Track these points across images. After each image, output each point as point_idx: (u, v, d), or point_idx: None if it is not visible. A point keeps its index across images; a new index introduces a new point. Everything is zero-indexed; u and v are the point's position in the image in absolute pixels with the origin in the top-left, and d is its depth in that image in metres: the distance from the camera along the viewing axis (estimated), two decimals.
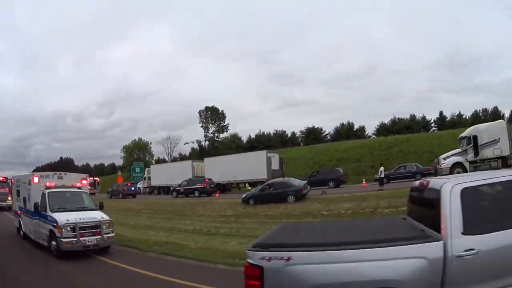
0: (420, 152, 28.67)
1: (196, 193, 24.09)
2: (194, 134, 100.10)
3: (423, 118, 48.14)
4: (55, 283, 6.44)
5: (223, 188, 27.59)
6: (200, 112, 57.02)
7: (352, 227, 4.14)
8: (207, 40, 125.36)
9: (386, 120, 50.70)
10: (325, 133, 56.40)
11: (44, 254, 8.38)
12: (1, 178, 22.19)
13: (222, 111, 57.34)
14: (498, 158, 15.77)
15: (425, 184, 3.52)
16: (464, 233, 2.69)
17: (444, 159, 16.74)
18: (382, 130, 49.46)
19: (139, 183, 37.96)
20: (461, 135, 17.49)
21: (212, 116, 56.47)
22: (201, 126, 56.98)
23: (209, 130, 56.51)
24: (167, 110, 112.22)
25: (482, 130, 16.62)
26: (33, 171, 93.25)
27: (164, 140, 60.80)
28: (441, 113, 46.90)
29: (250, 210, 15.90)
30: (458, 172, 15.19)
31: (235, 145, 57.72)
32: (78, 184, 9.93)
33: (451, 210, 2.74)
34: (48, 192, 8.68)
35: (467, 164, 16.19)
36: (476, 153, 16.16)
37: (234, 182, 28.43)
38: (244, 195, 17.42)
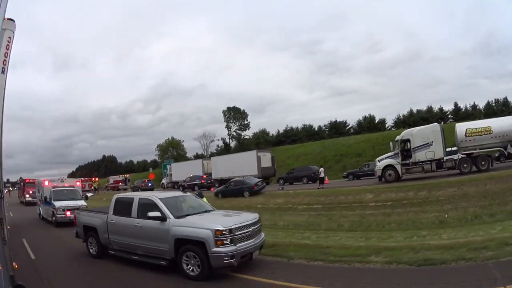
0: None
1: (196, 188, 29.46)
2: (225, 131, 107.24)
3: (441, 109, 48.07)
4: (52, 236, 12.12)
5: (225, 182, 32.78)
6: (223, 112, 62.72)
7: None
8: (249, 32, 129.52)
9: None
10: (349, 126, 58.03)
11: (49, 225, 14.54)
12: (31, 181, 30.22)
13: (244, 110, 62.47)
14: (431, 161, 16.86)
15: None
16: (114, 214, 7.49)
17: (379, 161, 18.42)
18: (400, 122, 50.28)
19: (164, 179, 44.61)
20: (397, 137, 18.62)
21: (235, 115, 61.71)
22: (225, 127, 62.44)
23: (231, 129, 61.77)
24: (214, 104, 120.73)
25: (415, 133, 17.70)
26: (76, 169, 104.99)
27: (200, 137, 67.14)
28: (455, 104, 46.68)
29: (217, 202, 20.72)
30: (390, 175, 17.47)
31: (263, 140, 62.44)
32: (75, 184, 15.85)
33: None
34: (52, 190, 14.69)
35: (398, 167, 17.40)
36: (409, 156, 17.36)
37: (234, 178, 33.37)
38: (215, 190, 22.23)
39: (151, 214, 6.55)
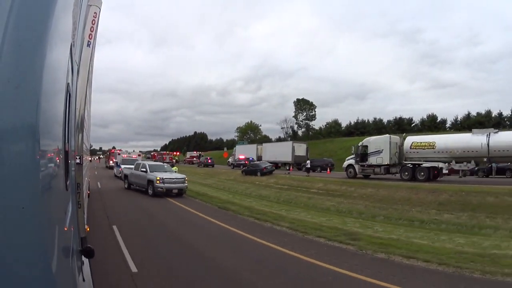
0: None
1: (241, 167, 38.20)
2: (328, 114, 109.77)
3: (500, 114, 46.87)
4: (112, 181, 22.41)
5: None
6: (294, 102, 69.43)
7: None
8: (351, 17, 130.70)
9: None
10: (413, 124, 59.00)
11: (113, 177, 25.02)
12: (116, 151, 43.18)
13: (312, 102, 67.98)
14: (380, 165, 21.01)
15: None
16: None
17: (346, 160, 23.79)
18: (456, 124, 51.32)
19: (230, 158, 54.28)
20: (359, 143, 23.23)
21: (303, 106, 67.82)
22: (293, 116, 69.21)
23: (298, 118, 68.23)
24: (315, 87, 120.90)
25: (371, 141, 22.33)
26: (169, 142, 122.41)
27: (282, 122, 73.86)
28: None
29: (241, 178, 28.85)
30: (350, 172, 22.77)
31: (334, 130, 67.60)
32: (136, 156, 26.32)
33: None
34: (122, 159, 25.33)
35: (357, 167, 22.31)
36: (365, 159, 21.85)
37: (277, 162, 40.95)
38: (242, 169, 30.30)
39: (142, 169, 15.29)
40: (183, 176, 16.17)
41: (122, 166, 23.33)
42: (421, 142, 19.90)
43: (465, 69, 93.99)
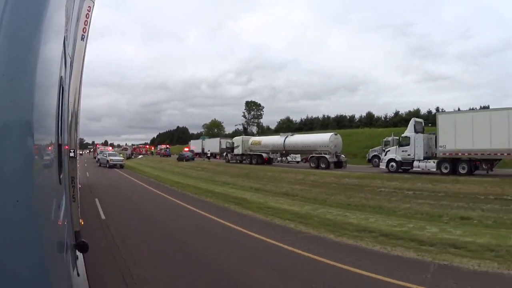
0: None
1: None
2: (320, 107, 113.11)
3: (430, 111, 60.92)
4: (92, 163, 41.13)
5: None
6: (245, 103, 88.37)
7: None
8: (342, 10, 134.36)
9: None
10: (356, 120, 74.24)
11: (96, 164, 43.93)
12: (99, 146, 62.30)
13: (259, 103, 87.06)
14: (238, 155, 38.51)
15: None
16: None
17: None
18: (385, 121, 64.93)
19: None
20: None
21: (252, 107, 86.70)
22: (242, 116, 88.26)
23: (247, 117, 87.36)
24: (307, 79, 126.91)
25: (235, 139, 40.51)
26: (157, 136, 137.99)
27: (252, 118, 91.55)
28: None
29: (174, 163, 47.49)
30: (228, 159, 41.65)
31: (285, 126, 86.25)
32: (109, 148, 45.36)
33: None
34: (102, 151, 44.11)
35: (229, 155, 40.28)
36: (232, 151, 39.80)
37: (212, 153, 59.57)
38: (177, 157, 48.85)
39: (104, 155, 34.52)
40: (122, 158, 35.72)
41: (97, 155, 42.42)
42: (255, 141, 38.40)
43: (457, 63, 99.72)
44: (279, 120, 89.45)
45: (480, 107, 48.59)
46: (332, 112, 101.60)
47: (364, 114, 73.82)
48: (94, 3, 2.41)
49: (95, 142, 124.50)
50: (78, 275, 2.41)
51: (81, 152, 56.42)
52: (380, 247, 8.11)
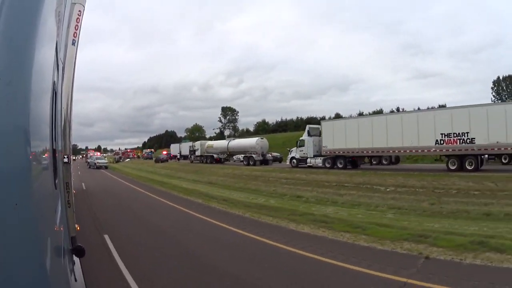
0: None
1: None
2: (317, 107, 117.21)
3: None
4: (84, 166, 51.08)
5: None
6: (221, 108, 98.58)
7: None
8: (331, 10, 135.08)
9: None
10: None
11: (86, 166, 53.89)
12: (90, 151, 72.67)
13: (234, 109, 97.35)
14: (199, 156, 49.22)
15: None
16: None
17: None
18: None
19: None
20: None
21: (227, 112, 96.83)
22: (218, 120, 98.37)
23: (222, 122, 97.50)
24: (298, 79, 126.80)
25: (196, 143, 51.12)
26: (147, 140, 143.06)
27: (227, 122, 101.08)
28: None
29: (152, 164, 57.44)
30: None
31: (261, 128, 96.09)
32: (98, 154, 55.60)
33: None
34: (91, 156, 54.30)
35: (193, 156, 51.37)
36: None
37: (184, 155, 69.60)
38: (154, 159, 58.85)
39: (92, 159, 44.76)
40: (106, 160, 46.70)
41: (88, 159, 52.20)
42: (209, 144, 48.30)
43: (448, 59, 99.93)
44: (257, 122, 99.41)
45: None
46: (324, 112, 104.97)
47: (333, 115, 76.37)
48: (84, 7, 2.44)
49: (89, 148, 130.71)
50: (76, 280, 2.42)
51: (74, 158, 64.64)
52: (222, 207, 15.54)
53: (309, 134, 29.40)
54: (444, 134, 20.93)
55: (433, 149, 21.46)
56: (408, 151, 23.59)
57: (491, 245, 7.63)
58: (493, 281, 5.86)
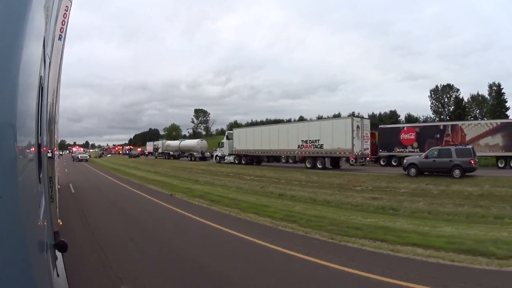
0: None
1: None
2: (306, 107, 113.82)
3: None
4: (69, 160, 65.00)
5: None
6: (194, 110, 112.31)
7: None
8: (320, 9, 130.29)
9: None
10: None
11: (71, 160, 67.95)
12: (75, 147, 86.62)
13: (206, 110, 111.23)
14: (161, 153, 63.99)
15: None
16: None
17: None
18: None
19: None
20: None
21: (199, 114, 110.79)
22: (191, 121, 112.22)
23: (195, 123, 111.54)
24: (286, 78, 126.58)
25: (158, 142, 65.39)
26: (134, 136, 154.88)
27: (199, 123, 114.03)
28: None
29: (126, 159, 71.45)
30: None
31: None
32: (82, 149, 69.82)
33: None
34: (75, 151, 68.56)
35: (157, 154, 65.77)
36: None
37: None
38: (129, 155, 72.98)
39: (76, 154, 58.92)
40: (87, 155, 59.64)
41: (73, 154, 65.79)
42: (167, 144, 62.29)
43: (437, 61, 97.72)
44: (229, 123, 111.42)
45: None
46: (312, 112, 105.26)
47: (315, 116, 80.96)
48: (71, 3, 2.42)
49: (76, 143, 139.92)
50: (58, 275, 2.40)
51: (61, 153, 76.63)
52: (147, 184, 32.16)
53: (227, 138, 38.55)
54: (303, 140, 27.69)
55: (297, 151, 28.90)
56: (282, 152, 31.31)
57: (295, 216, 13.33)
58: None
